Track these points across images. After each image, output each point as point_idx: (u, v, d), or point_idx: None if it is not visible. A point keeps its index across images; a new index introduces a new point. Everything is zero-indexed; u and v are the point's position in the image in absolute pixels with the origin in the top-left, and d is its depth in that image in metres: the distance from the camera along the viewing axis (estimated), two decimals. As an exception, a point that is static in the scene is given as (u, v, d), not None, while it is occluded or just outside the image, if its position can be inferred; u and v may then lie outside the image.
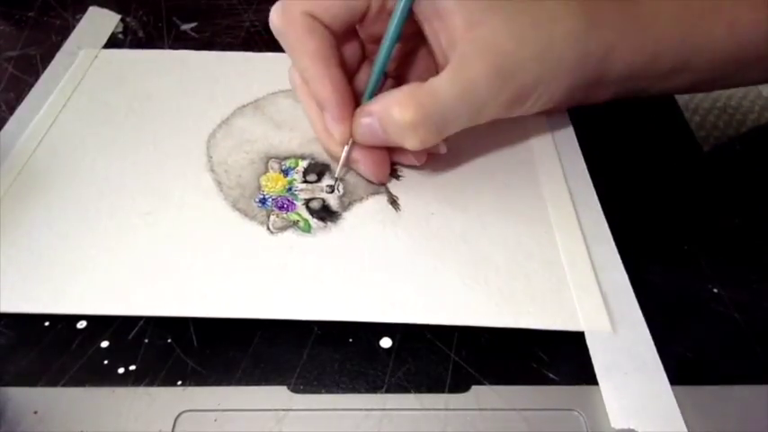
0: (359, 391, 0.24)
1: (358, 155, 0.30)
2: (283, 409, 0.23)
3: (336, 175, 0.31)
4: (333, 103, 0.28)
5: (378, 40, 0.29)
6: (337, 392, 0.24)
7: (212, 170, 0.32)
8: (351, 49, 0.31)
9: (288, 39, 0.28)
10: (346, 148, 0.30)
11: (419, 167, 0.32)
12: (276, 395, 0.24)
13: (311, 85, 0.28)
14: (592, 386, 0.24)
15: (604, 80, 0.31)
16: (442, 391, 0.24)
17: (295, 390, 0.24)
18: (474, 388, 0.24)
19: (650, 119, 0.38)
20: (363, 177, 0.32)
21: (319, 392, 0.24)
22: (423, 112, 0.26)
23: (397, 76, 0.33)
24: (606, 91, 0.33)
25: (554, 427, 0.23)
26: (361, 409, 0.24)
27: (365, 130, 0.28)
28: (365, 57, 0.32)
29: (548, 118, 0.36)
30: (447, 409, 0.24)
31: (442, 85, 0.26)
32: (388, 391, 0.24)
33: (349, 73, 0.30)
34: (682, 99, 0.40)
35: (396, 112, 0.26)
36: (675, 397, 0.24)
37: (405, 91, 0.27)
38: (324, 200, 0.31)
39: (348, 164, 0.31)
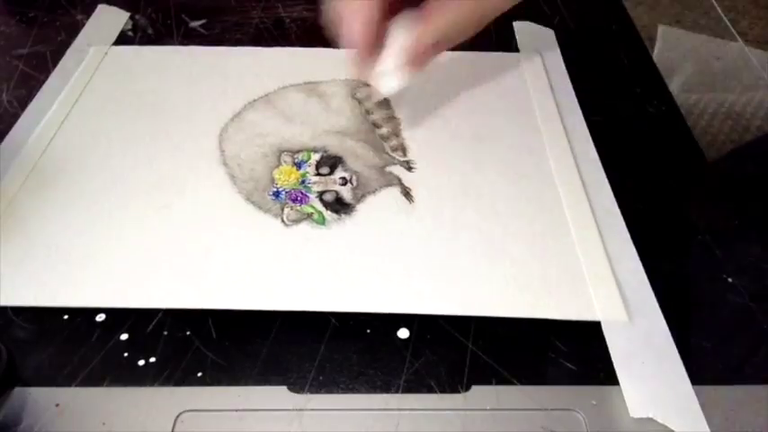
0: (372, 390, 0.24)
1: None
2: (285, 410, 0.23)
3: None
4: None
5: None
6: (350, 392, 0.24)
7: (225, 164, 0.32)
8: None
9: None
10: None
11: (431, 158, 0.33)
12: (276, 395, 0.24)
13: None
14: (592, 386, 0.24)
15: None
16: (446, 389, 0.24)
17: (296, 390, 0.24)
18: (474, 388, 0.24)
19: (654, 121, 0.38)
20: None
21: (328, 392, 0.24)
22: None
23: None
24: None
25: (554, 427, 0.23)
26: (369, 410, 0.24)
27: None
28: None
29: (556, 102, 0.36)
30: (448, 410, 0.24)
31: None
32: (399, 390, 0.24)
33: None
34: (687, 105, 0.40)
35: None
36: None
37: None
38: (337, 192, 0.31)
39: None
